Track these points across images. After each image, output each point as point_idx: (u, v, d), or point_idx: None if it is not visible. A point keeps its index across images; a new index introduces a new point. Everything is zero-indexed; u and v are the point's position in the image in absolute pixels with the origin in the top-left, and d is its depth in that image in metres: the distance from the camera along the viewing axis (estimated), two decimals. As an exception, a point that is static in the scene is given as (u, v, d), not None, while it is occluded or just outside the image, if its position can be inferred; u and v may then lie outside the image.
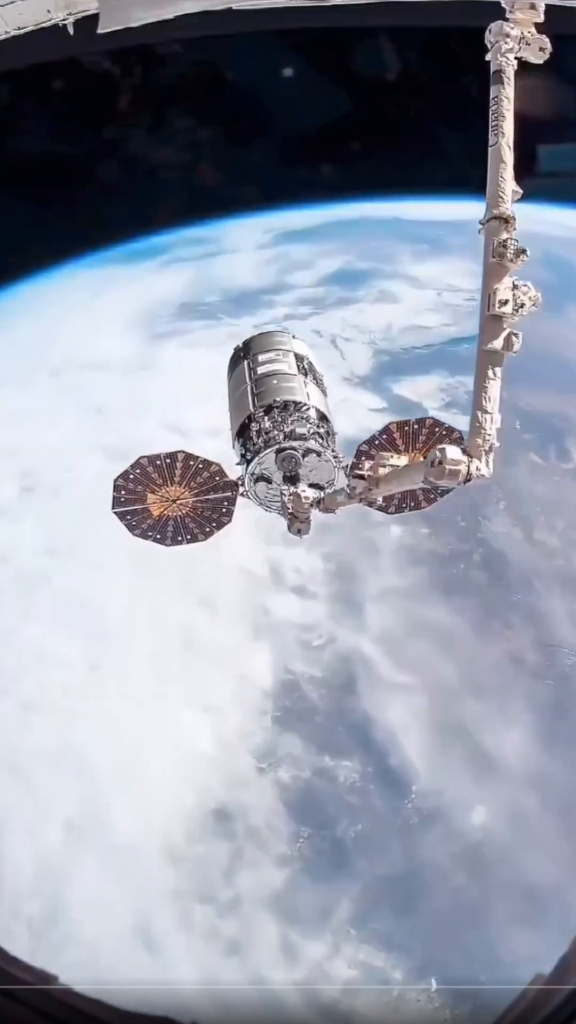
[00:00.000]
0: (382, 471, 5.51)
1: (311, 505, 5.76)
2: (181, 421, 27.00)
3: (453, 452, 4.90)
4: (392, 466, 5.52)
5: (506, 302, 5.02)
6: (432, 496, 6.44)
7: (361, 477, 5.56)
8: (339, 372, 29.52)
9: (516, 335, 5.04)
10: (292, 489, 5.76)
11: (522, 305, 5.04)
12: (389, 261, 35.44)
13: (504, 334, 5.05)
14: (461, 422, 5.47)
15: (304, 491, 5.73)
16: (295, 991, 17.11)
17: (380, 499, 5.97)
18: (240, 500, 6.28)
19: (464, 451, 4.95)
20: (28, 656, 22.42)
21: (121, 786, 19.74)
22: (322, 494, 5.79)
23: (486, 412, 5.00)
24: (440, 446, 5.00)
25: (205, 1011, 14.65)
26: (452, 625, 23.06)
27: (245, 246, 36.03)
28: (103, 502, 6.18)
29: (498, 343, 5.05)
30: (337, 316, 32.93)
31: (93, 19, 8.31)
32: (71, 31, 8.35)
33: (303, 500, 5.72)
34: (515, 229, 5.16)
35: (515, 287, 5.08)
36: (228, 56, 23.55)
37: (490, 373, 5.05)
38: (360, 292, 34.38)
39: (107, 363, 31.42)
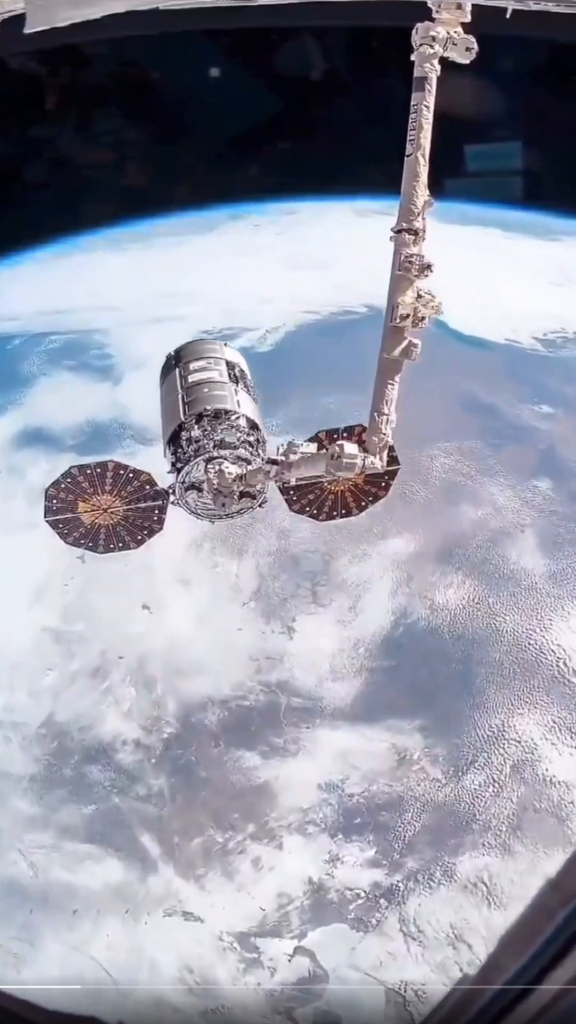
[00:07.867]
0: (292, 457, 5.95)
1: (234, 480, 6.07)
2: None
3: (350, 448, 5.48)
4: (302, 453, 5.94)
5: (407, 316, 5.41)
6: (363, 503, 6.70)
7: (274, 462, 6.01)
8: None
9: (415, 344, 5.44)
10: (216, 468, 6.06)
11: (422, 319, 5.43)
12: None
13: (404, 344, 5.45)
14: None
15: (227, 468, 6.06)
16: (219, 990, 16.69)
17: (293, 480, 6.32)
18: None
19: (361, 447, 5.54)
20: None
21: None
22: (243, 470, 6.11)
23: (383, 414, 5.55)
24: (339, 442, 5.54)
25: (131, 1011, 14.53)
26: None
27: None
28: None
29: (398, 352, 5.46)
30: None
31: (20, 19, 8.28)
32: (-3, 31, 8.32)
33: (226, 476, 6.04)
34: (424, 240, 5.47)
35: (419, 296, 5.45)
36: (155, 56, 23.41)
37: (389, 379, 5.54)
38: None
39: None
